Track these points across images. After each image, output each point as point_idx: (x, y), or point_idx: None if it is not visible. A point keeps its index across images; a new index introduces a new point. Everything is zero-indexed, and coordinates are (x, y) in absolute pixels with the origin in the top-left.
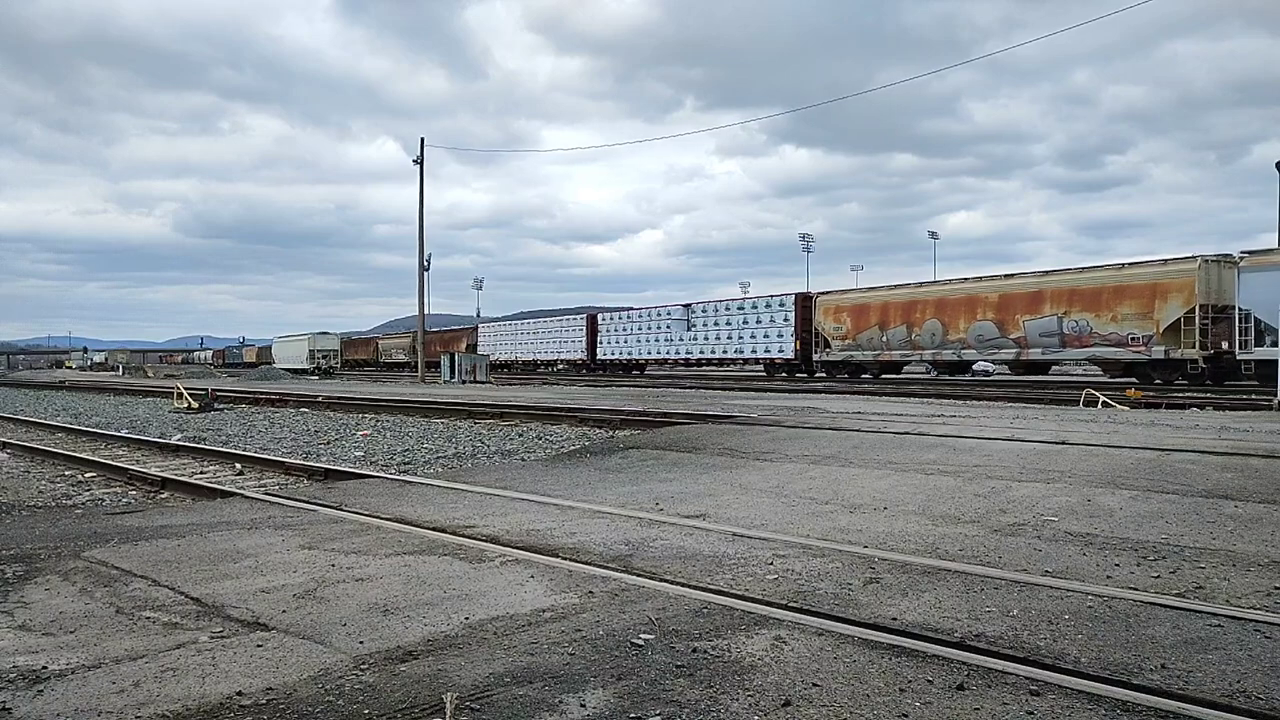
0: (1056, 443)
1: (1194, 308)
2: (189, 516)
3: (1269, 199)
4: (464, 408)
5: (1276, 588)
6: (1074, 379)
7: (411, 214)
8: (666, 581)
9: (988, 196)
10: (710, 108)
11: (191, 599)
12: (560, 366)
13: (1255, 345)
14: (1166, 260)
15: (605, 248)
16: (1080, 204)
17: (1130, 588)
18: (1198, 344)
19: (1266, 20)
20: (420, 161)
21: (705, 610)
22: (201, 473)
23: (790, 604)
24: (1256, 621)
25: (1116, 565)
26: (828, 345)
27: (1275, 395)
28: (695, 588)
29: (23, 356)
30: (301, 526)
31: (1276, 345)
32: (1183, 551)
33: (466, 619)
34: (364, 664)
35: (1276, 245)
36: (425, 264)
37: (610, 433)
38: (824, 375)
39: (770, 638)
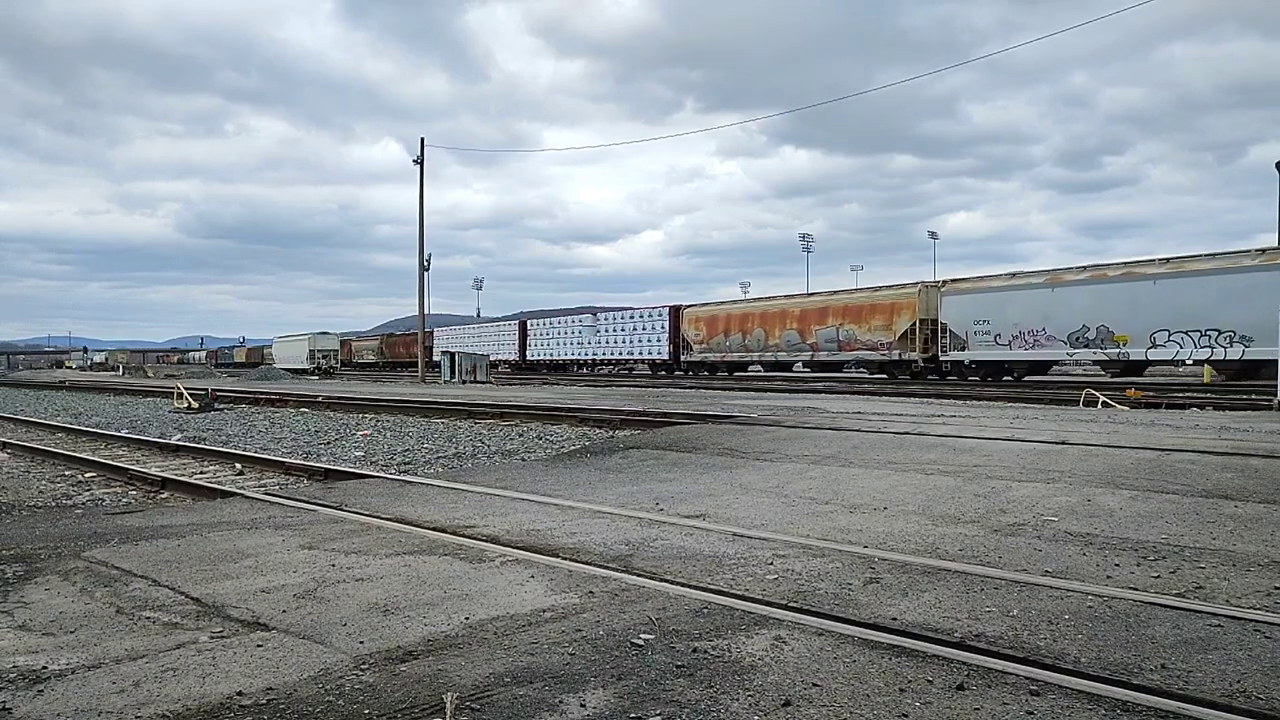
0: (1056, 443)
1: (916, 322)
2: (189, 516)
3: (1267, 199)
4: (464, 408)
5: (1276, 588)
6: (1075, 379)
7: (412, 214)
8: (667, 581)
9: (987, 197)
10: (710, 109)
11: (192, 599)
12: (501, 367)
13: (952, 349)
14: (902, 285)
15: (606, 248)
16: (1079, 205)
17: (1130, 588)
18: (919, 349)
19: (1263, 22)
20: (420, 162)
21: (705, 610)
22: (201, 473)
23: (790, 604)
24: (1256, 621)
25: (1116, 565)
26: (690, 349)
27: (1275, 395)
28: (695, 588)
29: (23, 356)
30: (301, 526)
31: (963, 350)
32: (1183, 551)
33: (467, 619)
34: (364, 664)
35: (1276, 245)
36: (425, 264)
37: (610, 433)
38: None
39: (770, 638)
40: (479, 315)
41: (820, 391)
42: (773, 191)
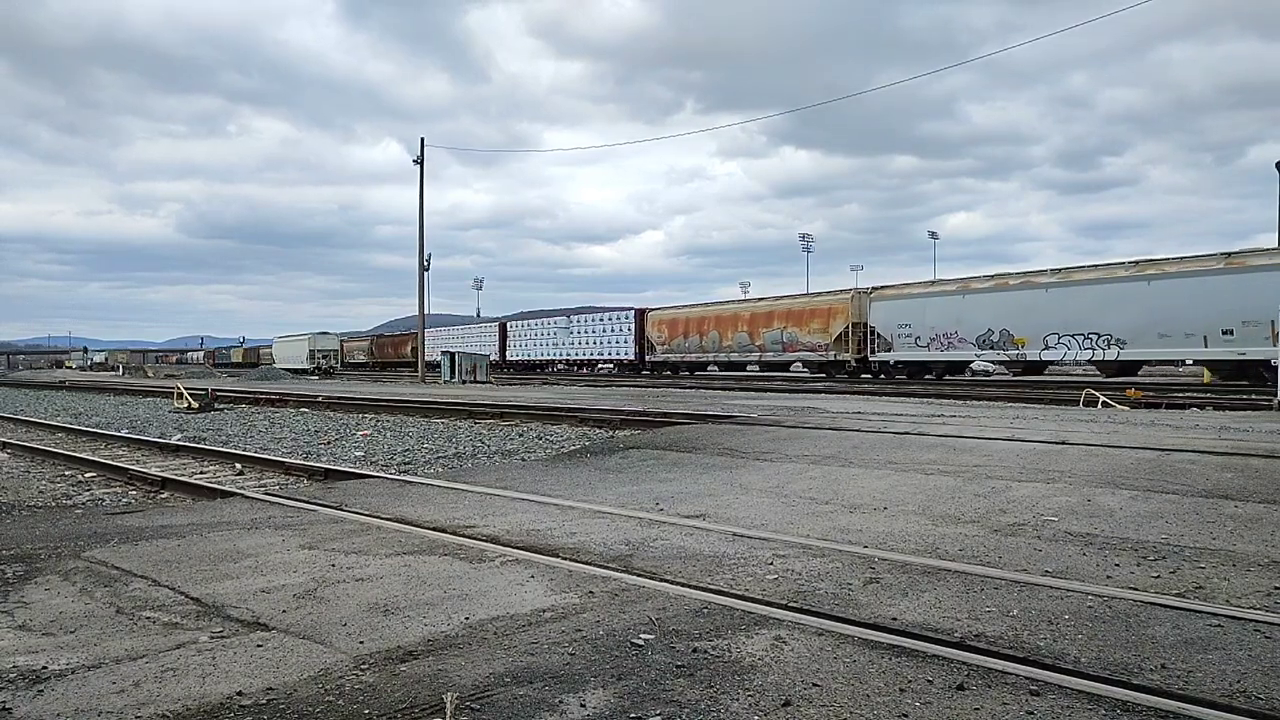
0: (1056, 443)
1: (849, 325)
2: (189, 516)
3: (1266, 199)
4: (464, 408)
5: (1276, 588)
6: (1074, 379)
7: (413, 215)
8: (667, 581)
9: (987, 197)
10: (710, 110)
11: (191, 599)
12: None
13: (880, 351)
14: (837, 292)
15: (606, 248)
16: (1079, 205)
17: (1130, 588)
18: (852, 350)
19: (1259, 24)
20: (420, 162)
21: (705, 610)
22: (201, 473)
23: (790, 604)
24: (1256, 621)
25: (1116, 565)
26: (654, 349)
27: (1275, 395)
28: (695, 588)
29: (23, 356)
30: (302, 526)
31: (889, 351)
32: (1183, 551)
33: (467, 619)
34: (364, 664)
35: (1276, 245)
36: (425, 264)
37: (610, 433)
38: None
39: (770, 638)
40: (479, 315)
41: (820, 391)
42: (773, 192)
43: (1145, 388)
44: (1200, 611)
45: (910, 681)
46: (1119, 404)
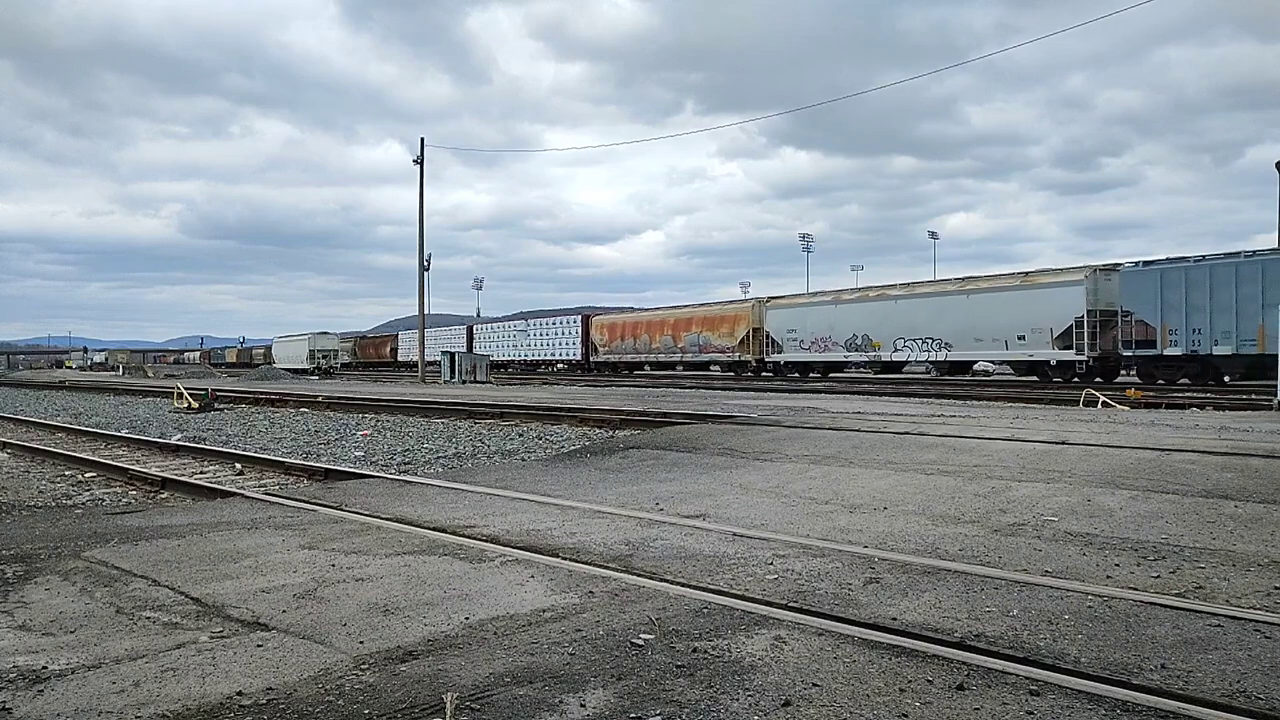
0: (1056, 443)
1: (750, 330)
2: (189, 516)
3: (1264, 200)
4: (464, 408)
5: (1276, 588)
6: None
7: (414, 215)
8: (667, 581)
9: (986, 198)
10: (710, 111)
11: (191, 599)
12: None
13: (773, 353)
14: (741, 300)
15: (607, 248)
16: (1078, 205)
17: (1130, 588)
18: (752, 352)
19: (1256, 26)
20: (420, 162)
21: (705, 610)
22: (201, 473)
23: (790, 604)
24: (1256, 621)
25: (1116, 565)
26: (597, 351)
27: (1275, 395)
28: (695, 588)
29: (23, 356)
30: (301, 526)
31: (780, 353)
32: (1183, 551)
33: (467, 619)
34: (364, 664)
35: (1276, 245)
36: (425, 264)
37: (610, 433)
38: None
39: (770, 638)
40: (479, 315)
41: (820, 392)
42: (773, 192)
43: (1145, 389)
44: (1200, 611)
45: (910, 681)
46: (1119, 404)
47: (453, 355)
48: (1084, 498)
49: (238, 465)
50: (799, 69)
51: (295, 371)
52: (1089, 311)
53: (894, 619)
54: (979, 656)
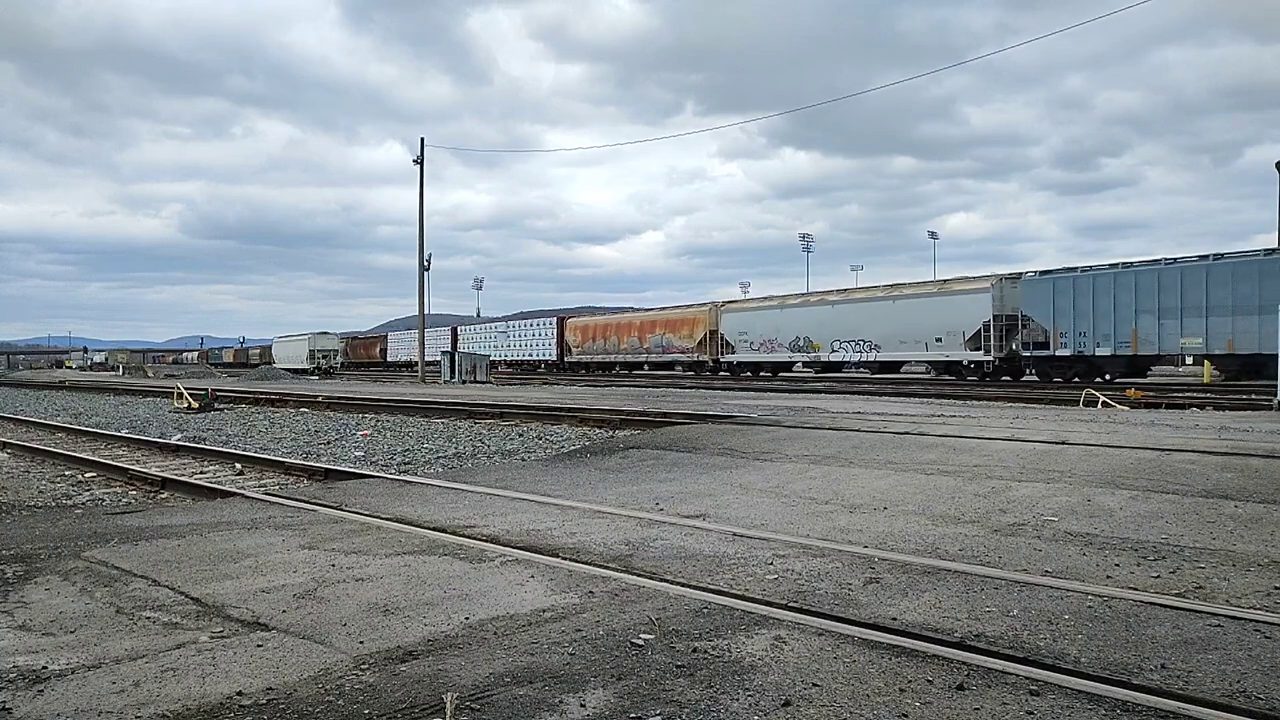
0: (1056, 443)
1: (707, 332)
2: (189, 516)
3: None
4: (464, 408)
5: (1276, 588)
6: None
7: (414, 215)
8: (667, 581)
9: (986, 198)
10: (710, 112)
11: (191, 599)
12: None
13: (726, 354)
14: (700, 304)
15: (607, 248)
16: (1077, 206)
17: (1130, 588)
18: (710, 353)
19: (1255, 27)
20: (420, 162)
21: (705, 610)
22: (201, 473)
23: (790, 604)
24: (1256, 621)
25: (1116, 565)
26: (571, 351)
27: (1275, 395)
28: (695, 588)
29: (23, 356)
30: (301, 526)
31: (733, 354)
32: (1183, 551)
33: (467, 619)
34: (364, 664)
35: (1276, 245)
36: (425, 264)
37: (610, 433)
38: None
39: (770, 638)
40: (479, 315)
41: (821, 391)
42: (773, 192)
43: (1145, 388)
44: (1200, 611)
45: (910, 681)
46: (1119, 404)
47: (453, 355)
48: (1084, 498)
49: (238, 465)
50: (799, 69)
51: (295, 372)
52: (995, 316)
53: (894, 619)
54: (979, 656)
